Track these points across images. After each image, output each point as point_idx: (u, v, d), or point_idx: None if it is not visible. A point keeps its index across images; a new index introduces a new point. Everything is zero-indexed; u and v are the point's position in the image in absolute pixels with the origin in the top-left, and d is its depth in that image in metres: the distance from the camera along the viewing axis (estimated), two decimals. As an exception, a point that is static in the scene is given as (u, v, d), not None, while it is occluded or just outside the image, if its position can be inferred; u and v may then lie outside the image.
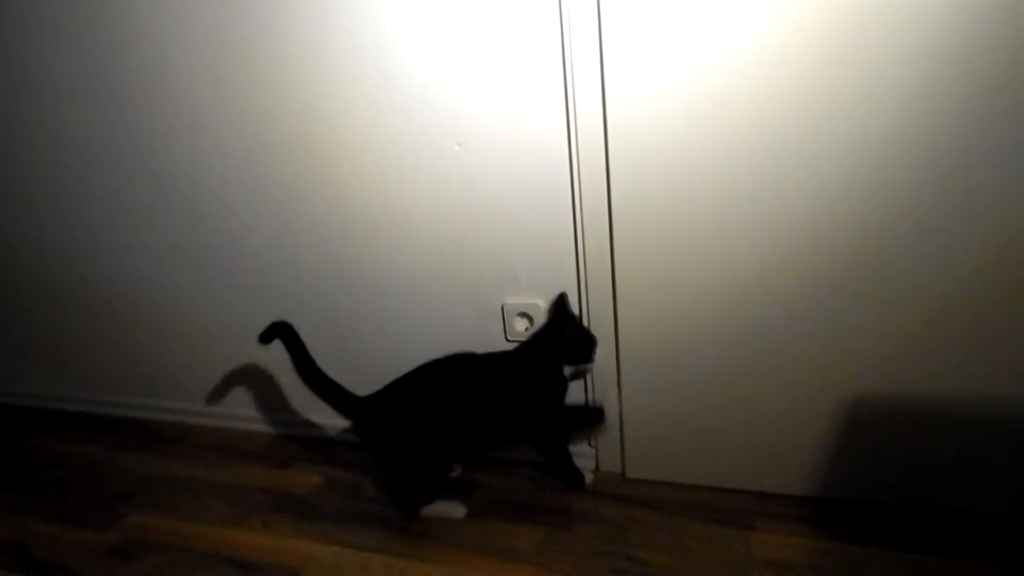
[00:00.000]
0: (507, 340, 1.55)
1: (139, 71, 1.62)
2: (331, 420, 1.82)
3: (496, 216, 1.45)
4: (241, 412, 1.93)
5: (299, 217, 1.63)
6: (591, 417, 1.53)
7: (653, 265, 1.37)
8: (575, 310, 1.46)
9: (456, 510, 1.47)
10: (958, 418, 1.27)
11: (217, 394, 1.94)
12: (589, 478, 1.55)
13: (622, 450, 1.55)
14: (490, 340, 1.56)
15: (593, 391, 1.53)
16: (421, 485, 1.49)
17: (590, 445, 1.58)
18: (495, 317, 1.54)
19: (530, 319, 1.51)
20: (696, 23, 1.19)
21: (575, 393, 1.53)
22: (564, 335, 1.42)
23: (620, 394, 1.50)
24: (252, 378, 1.87)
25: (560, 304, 1.45)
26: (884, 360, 1.29)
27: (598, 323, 1.44)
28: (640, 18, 1.21)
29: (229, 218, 1.70)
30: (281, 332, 1.48)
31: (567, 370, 1.44)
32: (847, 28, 1.12)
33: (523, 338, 1.53)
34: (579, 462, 1.55)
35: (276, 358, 1.78)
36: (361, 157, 1.51)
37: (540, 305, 1.49)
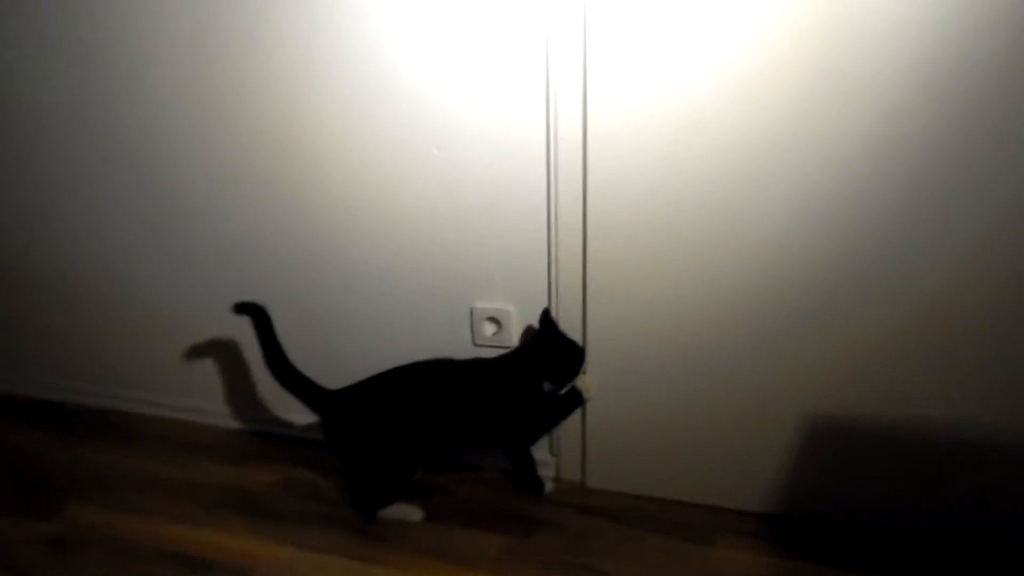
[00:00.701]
0: (474, 344, 1.54)
1: (123, 62, 1.58)
2: (292, 418, 1.79)
3: (472, 220, 1.45)
4: (201, 405, 1.88)
5: (274, 212, 1.60)
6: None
7: (624, 277, 1.37)
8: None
9: (413, 513, 1.45)
10: (917, 439, 1.30)
11: (177, 386, 1.89)
12: (549, 487, 1.54)
13: (583, 459, 1.55)
14: (458, 342, 1.55)
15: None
16: (382, 487, 1.46)
17: (552, 454, 1.58)
18: (464, 320, 1.53)
19: (499, 324, 1.51)
20: (680, 41, 1.20)
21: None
22: (552, 359, 1.40)
23: (584, 403, 1.50)
24: (214, 372, 1.83)
25: (546, 323, 1.42)
26: (845, 379, 1.31)
27: (567, 331, 1.44)
28: (624, 32, 1.22)
29: (203, 209, 1.66)
30: (255, 313, 1.45)
31: (547, 385, 1.43)
32: (830, 48, 1.14)
33: (492, 343, 1.52)
34: (540, 470, 1.55)
35: (240, 353, 1.77)
36: (342, 156, 1.50)
37: (510, 311, 1.49)
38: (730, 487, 1.45)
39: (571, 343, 1.41)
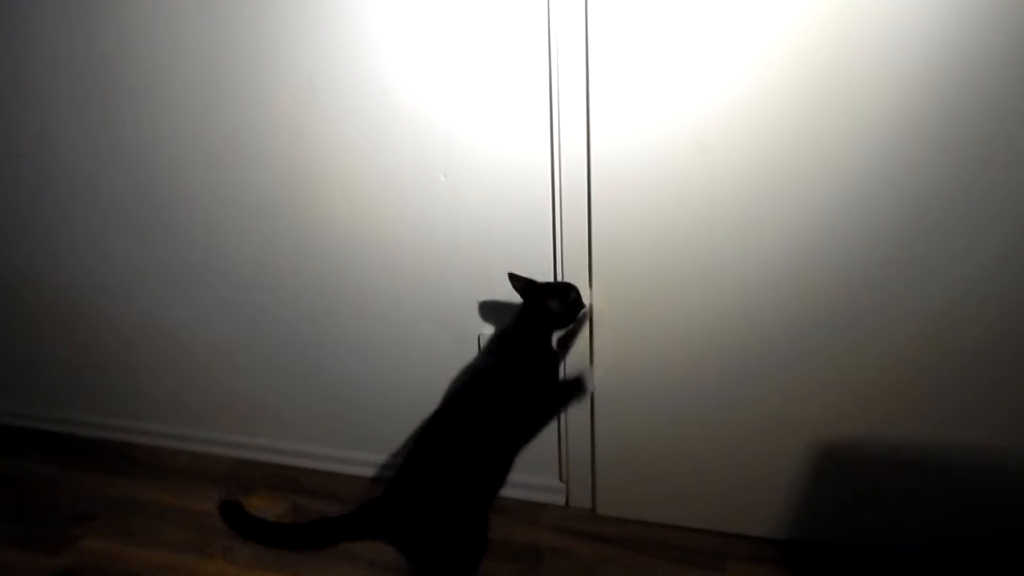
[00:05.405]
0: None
1: (131, 86, 1.60)
2: (299, 446, 1.78)
3: (477, 246, 1.46)
4: (207, 435, 1.88)
5: (283, 237, 1.61)
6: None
7: (630, 302, 1.37)
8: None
9: None
10: (926, 464, 1.28)
11: (184, 415, 1.89)
12: None
13: (593, 486, 1.53)
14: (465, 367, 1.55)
15: (567, 426, 1.52)
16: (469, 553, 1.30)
17: (562, 481, 1.56)
18: (471, 346, 1.53)
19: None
20: (681, 64, 1.20)
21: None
22: (551, 312, 1.32)
23: (593, 430, 1.49)
24: (221, 400, 1.83)
25: (521, 285, 1.34)
26: (854, 402, 1.30)
27: (575, 358, 1.44)
28: (627, 56, 1.23)
29: (213, 234, 1.67)
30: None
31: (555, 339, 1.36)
32: (833, 65, 1.14)
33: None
34: (550, 497, 1.53)
35: (247, 381, 1.76)
36: (348, 181, 1.51)
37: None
38: (741, 513, 1.43)
39: (551, 292, 1.34)
